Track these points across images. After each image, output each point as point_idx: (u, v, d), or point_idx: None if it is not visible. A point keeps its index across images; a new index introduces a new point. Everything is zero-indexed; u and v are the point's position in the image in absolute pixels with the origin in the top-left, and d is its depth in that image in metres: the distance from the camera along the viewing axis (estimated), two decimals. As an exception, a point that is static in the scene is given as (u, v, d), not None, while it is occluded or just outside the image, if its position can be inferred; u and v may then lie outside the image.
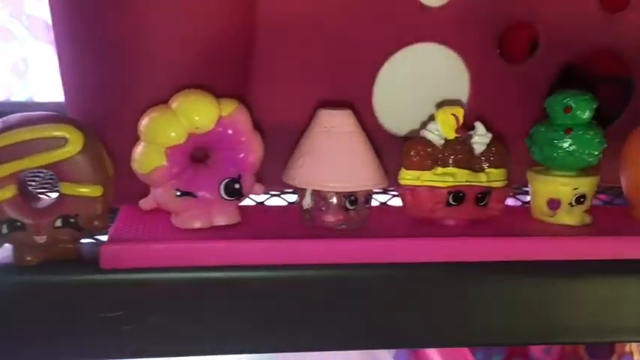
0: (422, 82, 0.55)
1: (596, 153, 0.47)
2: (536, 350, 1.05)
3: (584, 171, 0.48)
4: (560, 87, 0.66)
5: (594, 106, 0.47)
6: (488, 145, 0.47)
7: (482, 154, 0.47)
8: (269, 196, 0.56)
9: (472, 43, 0.53)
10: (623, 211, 0.51)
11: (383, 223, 0.46)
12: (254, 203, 0.54)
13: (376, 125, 0.54)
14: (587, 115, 0.47)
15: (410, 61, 0.54)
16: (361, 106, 0.53)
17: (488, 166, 0.47)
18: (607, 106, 0.63)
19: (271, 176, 0.47)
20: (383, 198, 0.59)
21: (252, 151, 0.43)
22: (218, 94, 0.44)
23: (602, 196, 0.61)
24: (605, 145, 0.48)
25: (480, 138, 0.47)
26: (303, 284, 0.42)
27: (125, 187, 0.43)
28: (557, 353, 1.04)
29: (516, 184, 0.52)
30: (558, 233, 0.46)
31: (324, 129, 0.44)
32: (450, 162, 0.46)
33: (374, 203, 0.48)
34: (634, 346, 0.88)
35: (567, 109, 0.46)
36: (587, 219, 0.48)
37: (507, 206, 0.50)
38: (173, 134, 0.41)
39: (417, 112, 0.54)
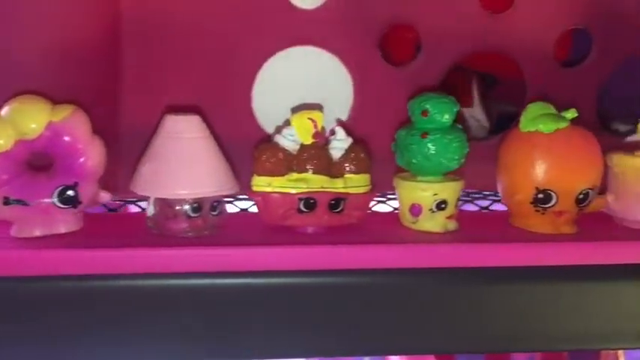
0: (303, 86, 0.54)
1: (455, 158, 0.45)
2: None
3: (447, 176, 0.47)
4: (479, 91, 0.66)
5: (454, 110, 0.45)
6: (348, 151, 0.46)
7: (341, 159, 0.46)
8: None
9: (352, 45, 0.52)
10: (501, 217, 0.49)
11: (236, 231, 0.45)
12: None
13: (257, 129, 0.53)
14: (445, 118, 0.45)
15: (287, 64, 0.53)
16: (241, 111, 0.53)
17: (348, 172, 0.45)
18: (501, 108, 0.62)
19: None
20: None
21: (90, 157, 0.42)
22: (83, 99, 0.43)
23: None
24: (467, 150, 0.46)
25: (339, 143, 0.46)
26: (139, 293, 0.41)
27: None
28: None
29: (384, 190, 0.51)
30: (415, 240, 0.44)
31: (169, 135, 0.43)
32: (307, 168, 0.45)
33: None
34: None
35: (424, 112, 0.45)
36: (451, 225, 0.46)
37: (377, 213, 0.49)
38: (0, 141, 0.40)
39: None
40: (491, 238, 0.45)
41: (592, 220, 0.49)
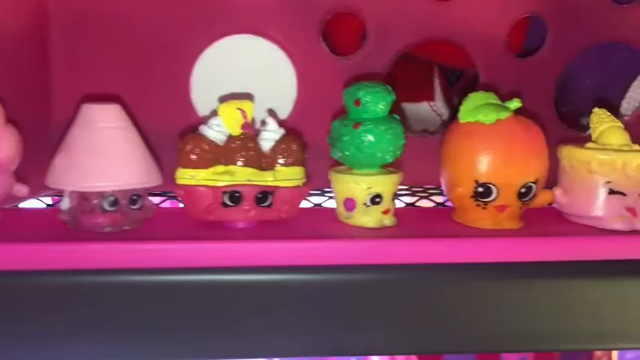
0: (243, 76, 0.52)
1: (390, 149, 0.43)
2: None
3: (383, 169, 0.45)
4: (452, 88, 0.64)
5: (389, 99, 0.43)
6: (280, 143, 0.44)
7: (272, 151, 0.43)
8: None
9: (293, 34, 0.50)
10: (447, 213, 0.47)
11: (159, 226, 0.43)
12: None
13: (197, 121, 0.51)
14: (379, 108, 0.43)
15: (225, 54, 0.51)
16: (179, 102, 0.51)
17: (279, 165, 0.43)
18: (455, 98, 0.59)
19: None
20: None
21: (2, 149, 0.40)
22: (10, 92, 0.41)
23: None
24: (403, 142, 0.44)
25: (269, 134, 0.44)
26: (44, 290, 0.39)
27: None
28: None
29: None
30: (345, 236, 0.42)
31: (85, 125, 0.41)
32: (235, 160, 0.43)
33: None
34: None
35: (357, 101, 0.43)
36: (388, 221, 0.44)
37: (314, 209, 0.47)
38: None
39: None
40: (426, 234, 0.42)
41: (539, 216, 0.47)
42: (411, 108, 0.62)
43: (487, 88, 0.54)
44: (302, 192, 0.44)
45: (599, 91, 0.64)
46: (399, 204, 0.52)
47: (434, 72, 0.64)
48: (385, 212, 0.44)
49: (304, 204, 0.48)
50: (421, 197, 0.58)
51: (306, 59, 0.51)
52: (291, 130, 0.50)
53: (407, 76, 0.60)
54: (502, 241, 0.42)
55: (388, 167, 0.45)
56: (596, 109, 0.48)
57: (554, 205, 0.48)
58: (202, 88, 0.51)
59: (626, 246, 0.43)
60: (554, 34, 0.53)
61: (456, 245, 0.41)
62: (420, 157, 0.49)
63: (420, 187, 0.58)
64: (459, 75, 0.68)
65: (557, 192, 0.46)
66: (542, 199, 0.46)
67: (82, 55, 0.49)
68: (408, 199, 0.55)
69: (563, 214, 0.47)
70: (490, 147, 0.43)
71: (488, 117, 0.43)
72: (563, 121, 0.56)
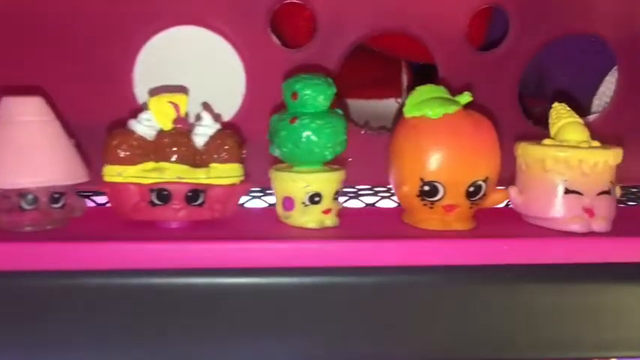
0: (188, 70, 0.49)
1: (329, 145, 0.41)
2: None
3: (325, 167, 0.42)
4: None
5: (328, 92, 0.41)
6: (215, 138, 0.41)
7: (207, 147, 0.41)
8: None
9: (240, 25, 0.48)
10: (397, 213, 0.45)
11: (87, 225, 0.41)
12: None
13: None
14: (319, 102, 0.40)
15: (169, 46, 0.48)
16: (122, 96, 0.48)
17: (213, 161, 0.41)
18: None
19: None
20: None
21: None
22: None
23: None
24: (344, 137, 0.41)
25: (203, 129, 0.41)
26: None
27: None
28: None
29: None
30: (280, 237, 0.40)
31: (4, 119, 0.39)
32: (166, 156, 0.40)
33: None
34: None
35: (294, 94, 0.40)
36: (329, 221, 0.42)
37: (255, 209, 0.44)
38: None
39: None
40: (366, 235, 0.40)
41: (495, 217, 0.44)
42: (377, 105, 0.59)
43: (446, 83, 0.51)
44: (239, 190, 0.42)
45: (573, 87, 0.61)
46: (359, 204, 0.50)
47: (401, 67, 0.62)
48: (326, 212, 0.41)
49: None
50: (382, 197, 0.55)
51: (254, 52, 0.49)
52: (237, 126, 0.48)
53: (372, 72, 0.58)
54: (443, 242, 0.39)
55: (332, 165, 0.42)
56: (555, 104, 0.45)
57: (511, 206, 0.45)
58: (146, 82, 0.49)
59: (581, 248, 0.41)
60: (517, 25, 0.51)
61: (390, 247, 0.39)
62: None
63: (385, 187, 0.56)
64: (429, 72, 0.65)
65: (512, 191, 0.44)
66: (495, 198, 0.44)
67: (22, 45, 0.47)
68: (371, 199, 0.52)
69: (522, 216, 0.44)
70: (436, 143, 0.41)
71: (435, 111, 0.41)
72: (538, 122, 0.53)
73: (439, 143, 0.41)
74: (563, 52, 0.62)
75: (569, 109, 0.45)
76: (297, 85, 0.40)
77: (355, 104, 0.56)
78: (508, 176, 0.44)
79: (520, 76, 0.52)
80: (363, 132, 0.51)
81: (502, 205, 0.45)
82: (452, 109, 0.41)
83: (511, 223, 0.44)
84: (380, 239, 0.39)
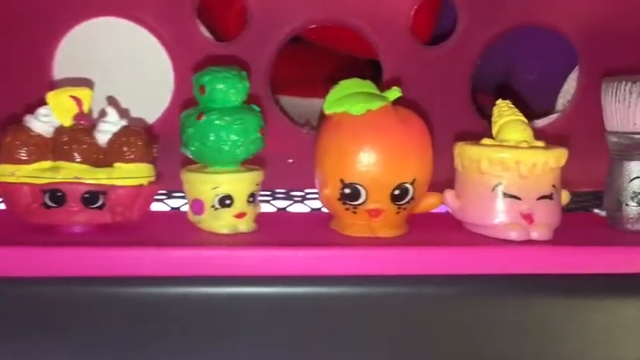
0: (113, 64, 0.46)
1: (239, 144, 0.37)
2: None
3: (240, 167, 0.39)
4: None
5: (239, 86, 0.37)
6: (119, 135, 0.38)
7: (111, 146, 0.38)
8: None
9: (165, 17, 0.44)
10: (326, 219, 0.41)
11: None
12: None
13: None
14: (229, 97, 0.37)
15: (90, 39, 0.45)
16: (42, 88, 0.45)
17: (119, 161, 0.38)
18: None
19: None
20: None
21: None
22: None
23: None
24: (257, 135, 0.38)
25: (107, 126, 0.38)
26: None
27: None
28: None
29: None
30: (186, 243, 0.37)
31: None
32: (64, 154, 0.37)
33: None
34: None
35: (201, 88, 0.37)
36: (243, 226, 0.38)
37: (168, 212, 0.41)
38: None
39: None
40: (278, 242, 0.36)
41: (431, 223, 0.41)
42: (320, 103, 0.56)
43: (392, 80, 0.48)
44: (147, 192, 0.39)
45: (538, 86, 0.58)
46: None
47: (365, 70, 0.58)
48: (239, 216, 0.38)
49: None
50: (295, 201, 0.51)
51: (182, 45, 0.45)
52: (168, 123, 0.44)
53: (318, 69, 0.54)
54: (355, 250, 0.36)
55: (248, 165, 0.39)
56: (499, 101, 0.41)
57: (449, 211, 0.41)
58: (68, 75, 0.45)
59: (516, 258, 0.37)
60: (466, 17, 0.47)
61: (298, 255, 0.35)
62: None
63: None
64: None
65: (448, 195, 0.40)
66: (428, 203, 0.40)
67: None
68: (283, 203, 0.49)
69: (463, 223, 0.41)
70: (357, 142, 0.37)
71: (356, 107, 0.37)
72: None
73: (360, 142, 0.37)
74: (528, 48, 0.58)
75: (512, 106, 0.41)
76: (205, 78, 0.37)
77: (298, 102, 0.52)
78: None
79: (472, 71, 0.48)
80: (305, 131, 0.48)
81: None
82: (375, 104, 0.37)
83: (447, 230, 0.40)
84: (289, 247, 0.36)
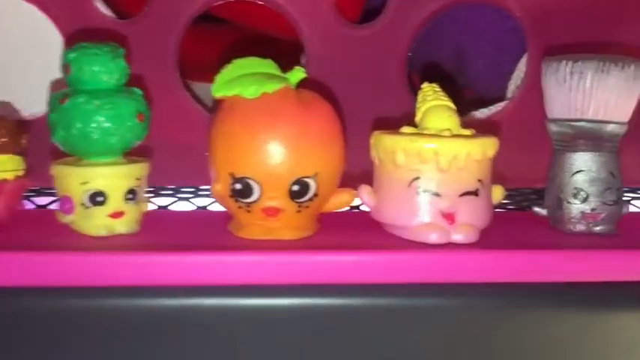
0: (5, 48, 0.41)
1: (111, 132, 0.32)
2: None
3: (120, 159, 0.33)
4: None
5: (112, 65, 0.32)
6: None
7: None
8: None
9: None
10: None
11: None
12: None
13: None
14: (99, 77, 0.32)
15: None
16: None
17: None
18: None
19: None
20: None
21: None
22: None
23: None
24: (134, 122, 0.33)
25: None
26: None
27: None
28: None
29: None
30: (46, 248, 0.31)
31: None
32: None
33: None
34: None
35: (66, 67, 0.32)
36: (121, 227, 0.33)
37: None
38: None
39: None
40: (164, 245, 0.31)
41: (348, 223, 0.35)
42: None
43: (317, 62, 0.42)
44: (11, 187, 0.33)
45: (490, 71, 0.52)
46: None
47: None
48: (115, 216, 0.33)
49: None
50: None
51: (76, 24, 0.40)
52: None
53: (230, 54, 0.49)
54: (239, 256, 0.30)
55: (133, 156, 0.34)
56: (425, 85, 0.36)
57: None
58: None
59: (435, 264, 0.32)
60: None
61: (170, 262, 0.30)
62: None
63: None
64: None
65: (363, 192, 0.35)
66: (339, 200, 0.35)
67: None
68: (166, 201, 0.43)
69: (381, 223, 0.35)
70: (248, 130, 0.32)
71: (248, 90, 0.32)
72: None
73: (252, 130, 0.32)
74: (479, 31, 0.53)
75: (437, 90, 0.35)
76: (70, 55, 0.31)
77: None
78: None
79: (407, 52, 0.43)
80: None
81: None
82: (272, 86, 0.32)
83: (362, 232, 0.35)
84: (165, 252, 0.30)
